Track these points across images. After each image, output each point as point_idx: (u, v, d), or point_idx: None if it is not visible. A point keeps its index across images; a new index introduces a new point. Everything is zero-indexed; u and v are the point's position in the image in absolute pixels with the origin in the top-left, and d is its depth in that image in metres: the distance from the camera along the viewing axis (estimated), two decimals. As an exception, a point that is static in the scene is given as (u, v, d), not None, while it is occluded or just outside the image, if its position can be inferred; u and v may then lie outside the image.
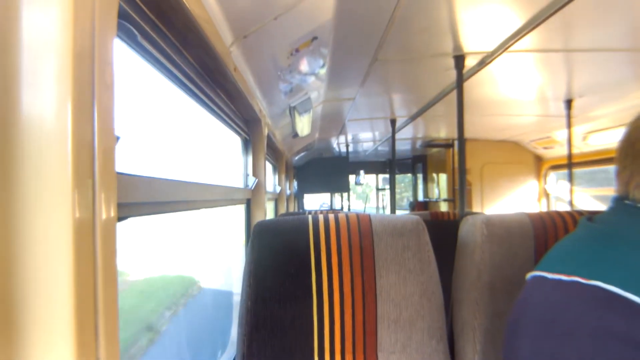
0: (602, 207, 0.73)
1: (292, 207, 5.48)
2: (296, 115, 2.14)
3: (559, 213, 1.09)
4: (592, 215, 0.70)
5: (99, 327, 0.47)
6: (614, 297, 0.52)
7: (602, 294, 0.53)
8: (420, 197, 6.32)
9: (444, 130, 4.20)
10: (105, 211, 0.49)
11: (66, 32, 0.44)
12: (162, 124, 1.66)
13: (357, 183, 7.19)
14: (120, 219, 0.58)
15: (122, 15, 0.74)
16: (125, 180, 0.67)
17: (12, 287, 0.42)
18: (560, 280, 0.59)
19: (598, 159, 3.31)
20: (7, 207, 0.42)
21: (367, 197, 8.74)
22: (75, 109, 0.44)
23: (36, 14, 0.43)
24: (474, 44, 1.67)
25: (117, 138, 0.53)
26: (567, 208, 2.76)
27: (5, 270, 0.42)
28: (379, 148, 5.43)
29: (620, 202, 0.67)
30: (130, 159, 0.75)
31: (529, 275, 0.67)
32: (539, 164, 4.28)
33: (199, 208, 1.26)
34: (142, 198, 0.76)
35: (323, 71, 1.88)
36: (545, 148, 3.99)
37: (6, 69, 0.43)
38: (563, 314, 0.56)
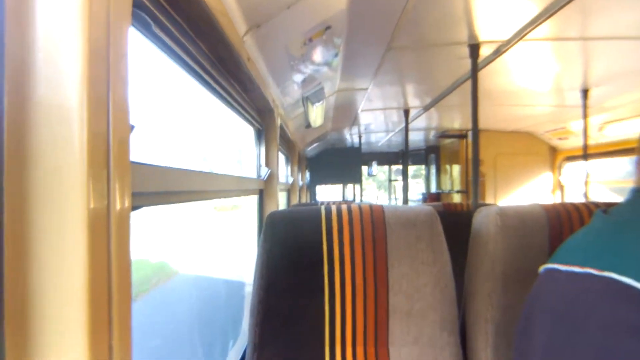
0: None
1: (305, 198, 5.50)
2: (309, 105, 2.13)
3: (574, 205, 1.07)
4: (607, 207, 0.69)
5: (113, 316, 0.48)
6: (627, 289, 0.51)
7: (616, 285, 0.52)
8: (433, 189, 6.30)
9: (457, 121, 4.17)
10: (120, 200, 0.49)
11: (81, 20, 0.43)
12: (176, 113, 1.67)
13: (370, 174, 7.19)
14: (134, 208, 0.58)
15: (136, 4, 0.74)
16: (139, 170, 0.67)
17: (27, 275, 0.43)
18: (573, 272, 0.58)
19: (614, 150, 3.26)
20: (23, 196, 0.43)
21: (383, 185, 8.70)
22: (90, 99, 0.44)
23: (51, 2, 0.43)
24: (489, 33, 1.65)
25: (132, 127, 0.53)
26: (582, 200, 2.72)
27: (20, 259, 0.43)
28: (392, 139, 5.40)
29: (637, 193, 0.65)
30: (144, 148, 0.75)
31: (542, 268, 0.65)
32: (553, 155, 4.23)
33: (211, 198, 1.27)
34: (155, 187, 0.76)
35: (336, 61, 1.87)
36: (560, 139, 3.94)
37: (22, 58, 0.43)
38: (576, 306, 0.55)
